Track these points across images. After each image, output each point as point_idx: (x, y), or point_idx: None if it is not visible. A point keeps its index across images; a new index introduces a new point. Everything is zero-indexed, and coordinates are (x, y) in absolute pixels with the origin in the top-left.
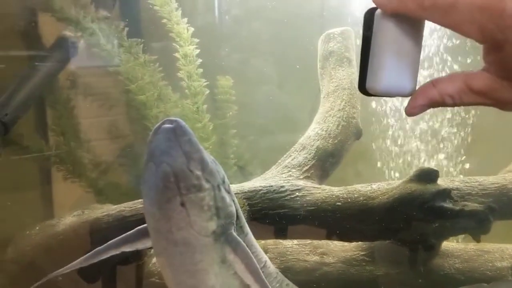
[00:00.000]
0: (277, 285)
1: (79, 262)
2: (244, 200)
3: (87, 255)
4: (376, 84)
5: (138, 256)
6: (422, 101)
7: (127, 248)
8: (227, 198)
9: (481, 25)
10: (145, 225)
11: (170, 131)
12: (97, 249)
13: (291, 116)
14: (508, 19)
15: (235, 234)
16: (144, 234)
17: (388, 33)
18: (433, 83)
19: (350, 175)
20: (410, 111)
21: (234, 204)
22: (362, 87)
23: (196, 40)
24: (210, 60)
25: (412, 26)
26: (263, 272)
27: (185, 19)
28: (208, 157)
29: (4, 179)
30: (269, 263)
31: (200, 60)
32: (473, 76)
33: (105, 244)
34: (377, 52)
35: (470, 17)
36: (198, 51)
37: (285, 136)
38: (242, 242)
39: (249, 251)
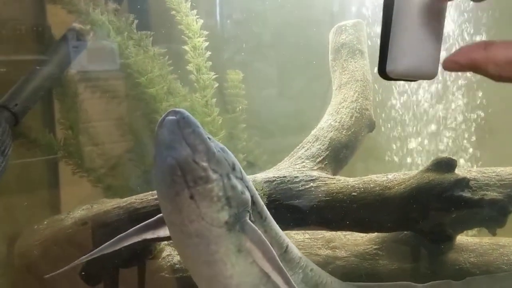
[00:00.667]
0: (300, 270)
1: (101, 249)
2: (264, 184)
3: (109, 241)
4: (397, 66)
5: (147, 251)
6: (463, 59)
7: (149, 235)
8: (239, 186)
9: None
10: None
11: (174, 123)
12: (119, 236)
13: (299, 117)
14: None
15: (250, 222)
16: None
17: (410, 13)
18: (485, 44)
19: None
20: (447, 65)
21: (249, 190)
22: (383, 71)
23: (205, 33)
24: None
25: (434, 6)
26: (284, 257)
27: (194, 11)
28: (216, 145)
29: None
30: (291, 247)
31: (209, 53)
32: None
33: (127, 231)
34: (398, 33)
35: None
36: (207, 43)
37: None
38: (257, 230)
39: (265, 239)
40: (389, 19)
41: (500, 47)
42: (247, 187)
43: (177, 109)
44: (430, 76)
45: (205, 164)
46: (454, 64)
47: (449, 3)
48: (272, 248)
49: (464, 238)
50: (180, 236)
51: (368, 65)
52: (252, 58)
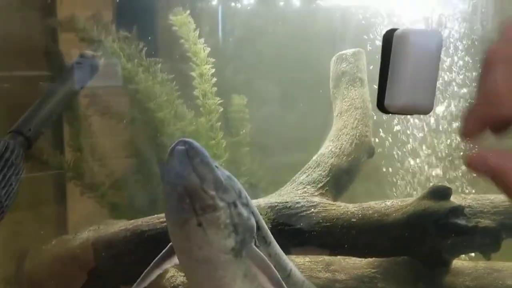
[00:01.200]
0: None
1: None
2: (268, 209)
3: (137, 281)
4: (395, 102)
5: None
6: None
7: (168, 265)
8: (245, 213)
9: None
10: None
11: (183, 153)
12: (144, 273)
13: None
14: None
15: (255, 247)
16: None
17: (408, 53)
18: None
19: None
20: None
21: (254, 215)
22: (381, 105)
23: (212, 60)
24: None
25: (430, 46)
26: (287, 281)
27: (202, 40)
28: (223, 173)
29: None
30: (295, 271)
31: (215, 79)
32: None
33: (149, 267)
34: (396, 71)
35: None
36: (213, 70)
37: (296, 155)
38: (263, 256)
39: (269, 263)
40: (387, 57)
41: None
42: (252, 212)
43: (186, 139)
44: (426, 111)
45: (213, 192)
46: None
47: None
48: (276, 272)
49: (460, 262)
50: (189, 261)
51: (367, 92)
52: (255, 77)
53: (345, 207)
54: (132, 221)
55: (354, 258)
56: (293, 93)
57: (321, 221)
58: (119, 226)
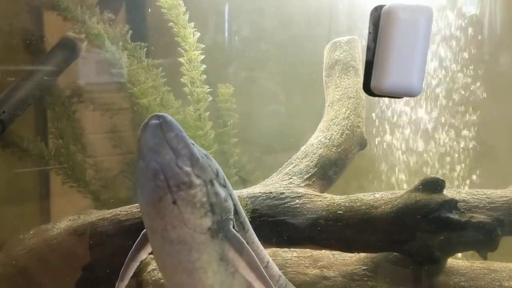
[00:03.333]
0: None
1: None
2: (247, 200)
3: (119, 279)
4: (382, 83)
5: None
6: None
7: (143, 255)
8: (222, 193)
9: None
10: None
11: (157, 127)
12: (121, 271)
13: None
14: None
15: (233, 230)
16: None
17: (396, 30)
18: None
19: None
20: None
21: (232, 198)
22: (367, 87)
23: (202, 46)
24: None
25: (420, 23)
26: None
27: (192, 23)
28: (199, 151)
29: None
30: (272, 264)
31: (204, 66)
32: None
33: (125, 263)
34: (383, 50)
35: None
36: (203, 56)
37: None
38: (241, 238)
39: (249, 247)
40: (374, 36)
41: None
42: (230, 195)
43: (160, 113)
44: (413, 93)
45: (188, 169)
46: None
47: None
48: (255, 256)
49: (455, 262)
50: (161, 243)
51: (361, 82)
52: (255, 74)
53: (332, 199)
54: (111, 210)
55: (344, 254)
56: (294, 90)
57: (305, 212)
58: (97, 215)
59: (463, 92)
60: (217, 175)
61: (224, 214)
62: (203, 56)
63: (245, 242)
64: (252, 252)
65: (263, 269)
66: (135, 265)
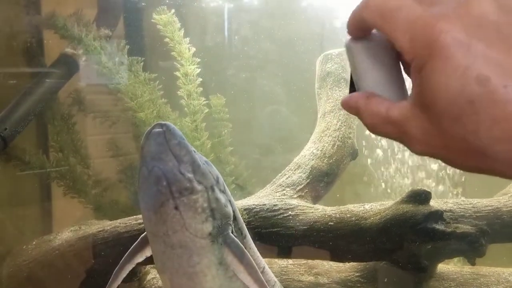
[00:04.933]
0: None
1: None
2: (244, 211)
3: (110, 280)
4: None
5: (132, 273)
6: (351, 104)
7: (139, 258)
8: (222, 199)
9: (412, 37)
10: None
11: (160, 135)
12: (114, 271)
13: (293, 135)
14: (436, 35)
15: (232, 235)
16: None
17: (363, 57)
18: (368, 95)
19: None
20: (342, 105)
21: (231, 204)
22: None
23: (197, 60)
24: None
25: (382, 45)
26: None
27: (187, 39)
28: (200, 158)
29: (5, 194)
30: (267, 269)
31: (200, 79)
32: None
33: (120, 264)
34: (359, 77)
35: (405, 27)
36: (198, 70)
37: (287, 155)
38: (239, 243)
39: (246, 252)
40: (351, 60)
41: (376, 102)
42: (229, 201)
43: (163, 122)
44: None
45: (190, 175)
46: (345, 105)
47: None
48: (253, 261)
49: (445, 267)
50: (162, 247)
51: None
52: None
53: (323, 210)
54: (110, 222)
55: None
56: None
57: (298, 224)
58: (98, 227)
59: None
60: (217, 181)
61: (224, 220)
62: (198, 70)
63: (243, 247)
64: (250, 257)
65: (260, 274)
66: (129, 267)
